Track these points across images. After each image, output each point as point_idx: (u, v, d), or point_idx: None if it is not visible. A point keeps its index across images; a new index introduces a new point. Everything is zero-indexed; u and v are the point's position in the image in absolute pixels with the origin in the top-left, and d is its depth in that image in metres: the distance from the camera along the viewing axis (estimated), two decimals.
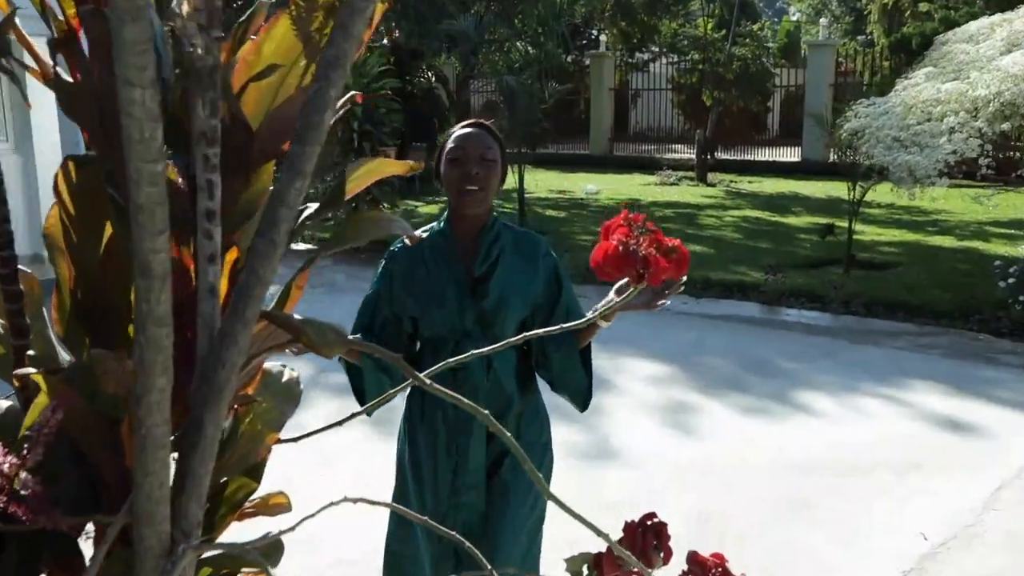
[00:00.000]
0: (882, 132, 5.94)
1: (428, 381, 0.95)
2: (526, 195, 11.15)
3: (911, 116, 5.88)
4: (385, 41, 14.56)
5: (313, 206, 1.22)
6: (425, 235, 2.08)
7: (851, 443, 4.16)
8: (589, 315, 1.92)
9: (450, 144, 2.01)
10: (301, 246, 10.39)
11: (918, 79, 6.25)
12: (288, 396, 1.29)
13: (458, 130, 2.04)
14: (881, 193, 7.54)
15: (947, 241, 9.67)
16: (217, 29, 0.85)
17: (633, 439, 4.21)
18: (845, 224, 9.33)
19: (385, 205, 9.89)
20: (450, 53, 14.78)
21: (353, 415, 1.24)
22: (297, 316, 0.99)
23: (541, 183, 15.40)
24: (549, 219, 11.59)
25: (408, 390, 2.10)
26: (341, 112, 1.14)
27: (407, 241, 2.05)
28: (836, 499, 3.60)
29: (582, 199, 13.63)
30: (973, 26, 6.59)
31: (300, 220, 1.17)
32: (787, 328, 6.31)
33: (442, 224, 2.08)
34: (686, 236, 10.30)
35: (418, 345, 2.13)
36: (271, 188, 0.91)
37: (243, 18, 1.06)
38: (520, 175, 10.62)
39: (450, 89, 16.86)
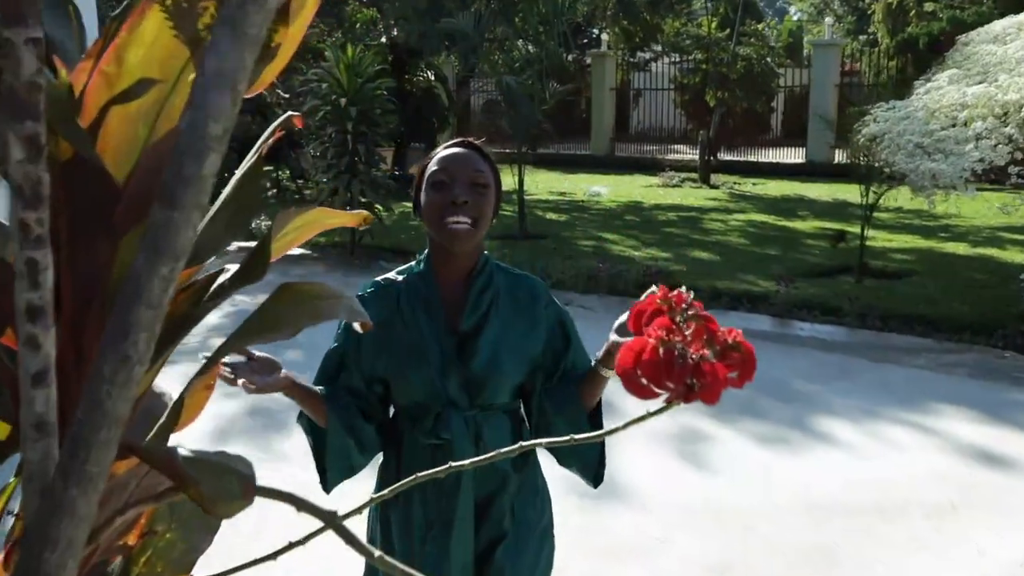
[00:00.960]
0: (903, 138, 5.62)
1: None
2: (526, 197, 10.83)
3: (934, 121, 5.56)
4: (383, 40, 14.25)
5: (232, 269, 0.87)
6: (400, 278, 1.72)
7: (877, 480, 3.83)
8: (598, 363, 1.62)
9: (432, 166, 1.65)
10: (294, 250, 10.03)
11: (940, 81, 5.92)
12: (204, 523, 0.96)
13: (442, 150, 1.68)
14: (888, 196, 7.23)
15: (961, 248, 9.34)
16: (34, 24, 0.51)
17: (641, 473, 3.88)
18: (854, 229, 9.05)
19: (379, 207, 9.56)
20: (449, 52, 14.45)
21: (310, 535, 0.91)
22: (186, 451, 0.65)
23: (541, 184, 15.07)
24: (550, 222, 11.27)
25: (382, 458, 1.78)
26: (257, 155, 0.81)
27: (382, 280, 1.73)
28: (865, 547, 3.27)
29: (583, 201, 13.30)
30: (998, 26, 6.26)
31: (209, 295, 0.82)
32: (801, 343, 5.99)
33: (421, 265, 1.71)
34: (691, 241, 9.99)
35: (391, 410, 1.78)
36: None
37: (117, 11, 0.71)
38: (520, 176, 10.31)
39: (449, 89, 16.54)
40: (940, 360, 5.50)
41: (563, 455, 1.75)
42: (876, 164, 6.29)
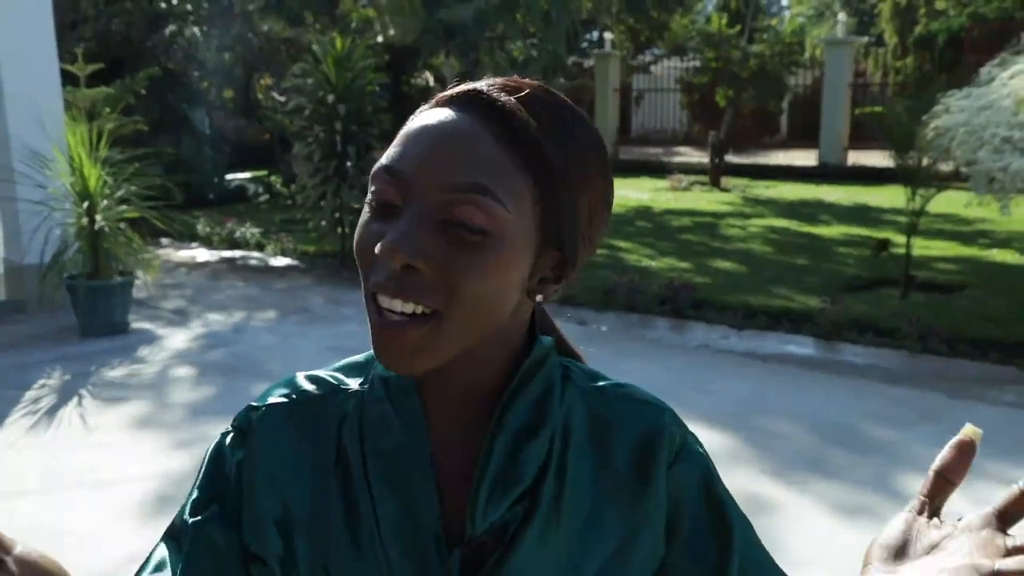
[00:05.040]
0: (987, 131, 4.78)
1: None
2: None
3: None
4: (380, 39, 13.45)
5: None
6: (351, 386, 0.79)
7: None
8: None
9: (391, 146, 0.69)
10: (280, 260, 9.24)
11: None
12: None
13: (419, 115, 0.70)
14: (899, 197, 6.40)
15: (1010, 256, 8.51)
16: None
17: None
18: (884, 235, 8.23)
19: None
20: (448, 52, 13.65)
21: None
22: None
23: None
24: None
25: None
26: None
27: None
28: None
29: None
30: None
31: None
32: (861, 375, 5.13)
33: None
34: (711, 250, 9.16)
35: None
36: None
37: None
38: None
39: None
40: None
41: None
42: (946, 161, 5.44)
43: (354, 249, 0.69)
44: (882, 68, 20.53)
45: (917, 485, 3.19)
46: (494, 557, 0.71)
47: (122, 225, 6.36)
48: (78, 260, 6.27)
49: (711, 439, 4.06)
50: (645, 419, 0.77)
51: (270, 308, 7.05)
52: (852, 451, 3.92)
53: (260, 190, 14.52)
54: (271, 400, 0.78)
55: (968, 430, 0.60)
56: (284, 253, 9.45)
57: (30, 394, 4.89)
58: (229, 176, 14.52)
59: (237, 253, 9.61)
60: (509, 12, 12.97)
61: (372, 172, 0.69)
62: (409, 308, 0.66)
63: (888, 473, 3.72)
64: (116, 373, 5.30)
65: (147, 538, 3.12)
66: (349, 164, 8.45)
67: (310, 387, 0.79)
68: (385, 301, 0.66)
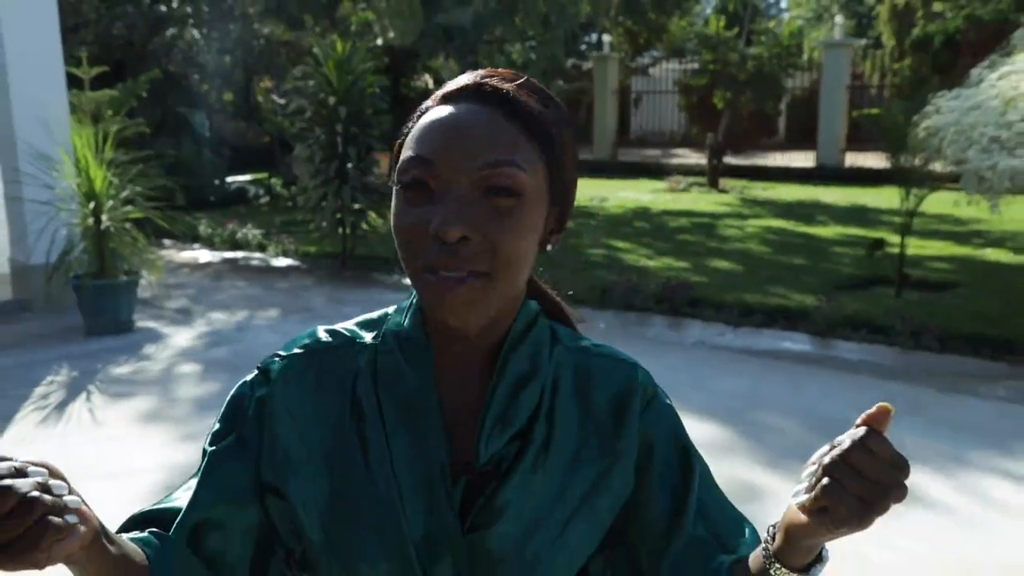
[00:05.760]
0: (975, 131, 4.88)
1: None
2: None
3: (1012, 111, 4.82)
4: (379, 41, 13.55)
5: None
6: (366, 338, 0.90)
7: (993, 561, 3.07)
8: (774, 550, 0.78)
9: (409, 142, 0.81)
10: (282, 261, 9.32)
11: (1018, 64, 5.16)
12: None
13: (434, 104, 0.83)
14: (895, 198, 6.49)
15: (1004, 256, 8.60)
16: None
17: None
18: (880, 235, 8.32)
19: (373, 216, 8.80)
20: (447, 54, 13.75)
21: None
22: None
23: None
24: None
25: None
26: None
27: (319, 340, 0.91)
28: None
29: (589, 207, 12.56)
30: None
31: None
32: (853, 370, 5.22)
33: (406, 320, 0.89)
34: (708, 250, 9.25)
35: None
36: None
37: None
38: None
39: None
40: (1022, 390, 4.75)
41: None
42: (937, 161, 5.53)
43: (396, 233, 0.81)
44: (880, 70, 20.66)
45: (909, 479, 3.29)
46: (491, 486, 0.83)
47: (127, 225, 6.45)
48: (84, 260, 6.35)
49: (708, 433, 4.16)
50: (622, 374, 0.91)
51: (272, 307, 7.13)
52: None
53: (260, 192, 14.61)
54: (295, 349, 0.89)
55: (881, 406, 0.69)
56: (285, 254, 9.54)
57: (39, 391, 4.97)
58: (229, 178, 14.60)
59: (239, 254, 9.70)
60: (508, 15, 13.08)
61: (400, 165, 0.81)
62: (459, 276, 0.77)
63: None
64: (122, 370, 5.39)
65: None
66: (350, 165, 8.54)
67: (329, 339, 0.90)
68: (438, 270, 0.78)
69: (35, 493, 0.63)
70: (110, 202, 6.35)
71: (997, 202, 5.30)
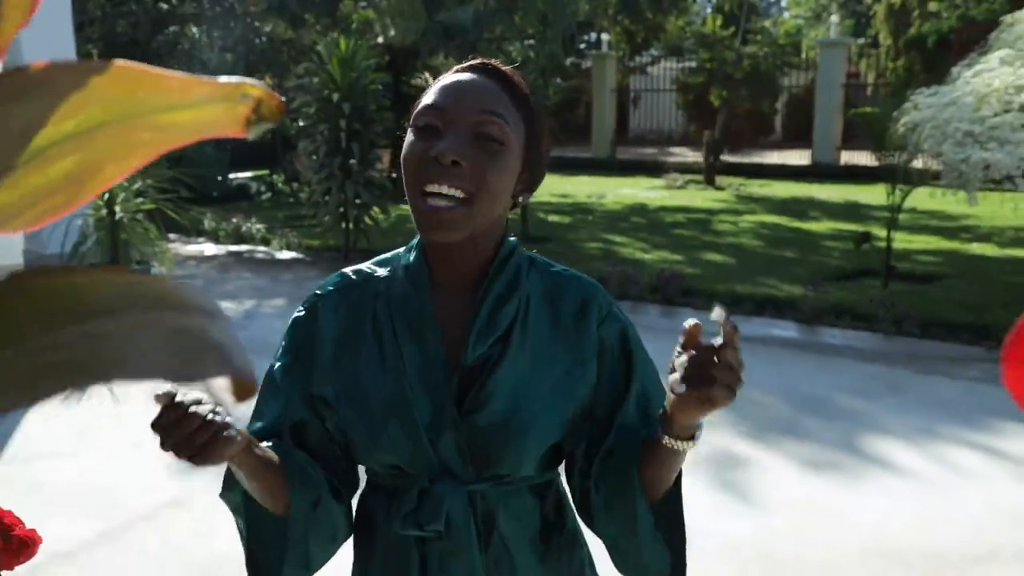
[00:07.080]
0: (950, 126, 5.10)
1: None
2: (530, 199, 10.29)
3: (985, 107, 5.05)
4: (380, 39, 13.77)
5: None
6: (382, 273, 1.16)
7: (952, 518, 3.29)
8: (661, 428, 1.01)
9: (424, 100, 1.08)
10: (286, 254, 9.55)
11: (992, 62, 5.40)
12: None
13: (446, 75, 1.11)
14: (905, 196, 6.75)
15: (989, 249, 8.84)
16: None
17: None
18: (871, 229, 8.55)
19: (376, 210, 9.04)
20: (447, 52, 13.97)
21: None
22: None
23: (542, 187, 14.48)
24: (553, 224, 10.75)
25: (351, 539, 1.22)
26: None
27: (347, 277, 1.19)
28: None
29: (587, 203, 12.80)
30: None
31: None
32: (836, 353, 5.46)
33: (411, 256, 1.14)
34: (703, 244, 9.49)
35: (363, 479, 1.20)
36: None
37: None
38: None
39: None
40: (995, 371, 4.98)
41: (615, 554, 1.15)
42: (917, 156, 5.76)
43: (404, 163, 1.06)
44: (876, 69, 20.86)
45: (879, 446, 3.55)
46: (480, 378, 1.09)
47: (139, 216, 6.68)
48: (97, 251, 6.58)
49: None
50: (584, 290, 1.16)
51: (278, 297, 7.36)
52: (823, 417, 4.25)
53: (262, 188, 14.84)
54: (328, 288, 1.18)
55: (714, 314, 0.92)
56: (290, 247, 9.77)
57: None
58: (231, 175, 14.82)
59: (244, 247, 9.92)
60: (507, 14, 13.31)
61: (417, 111, 1.08)
62: (452, 192, 1.01)
63: (853, 436, 4.05)
64: None
65: (185, 485, 3.45)
66: (353, 161, 8.77)
67: (354, 277, 1.18)
68: (434, 188, 1.02)
69: (210, 416, 0.92)
70: (123, 194, 6.59)
71: (974, 194, 5.53)
